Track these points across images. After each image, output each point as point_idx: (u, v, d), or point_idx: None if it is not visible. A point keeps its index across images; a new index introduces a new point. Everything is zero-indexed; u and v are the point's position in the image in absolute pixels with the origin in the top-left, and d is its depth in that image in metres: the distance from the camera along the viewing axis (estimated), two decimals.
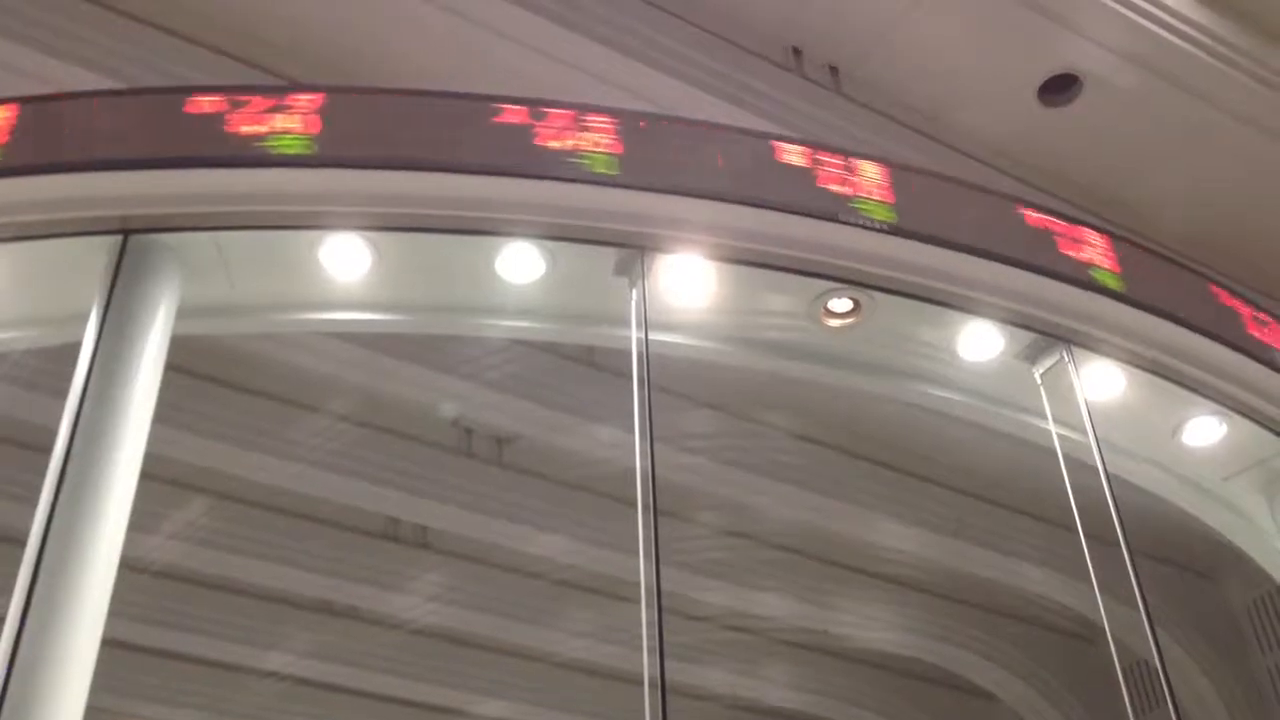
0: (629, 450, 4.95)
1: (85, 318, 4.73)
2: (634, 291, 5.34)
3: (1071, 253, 5.98)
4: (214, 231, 5.00)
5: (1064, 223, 6.19)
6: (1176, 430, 6.26)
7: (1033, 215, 6.17)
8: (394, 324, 5.77)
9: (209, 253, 5.07)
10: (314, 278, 5.30)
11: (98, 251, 4.85)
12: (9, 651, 3.92)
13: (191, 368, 8.35)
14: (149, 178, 4.92)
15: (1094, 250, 6.05)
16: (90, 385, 4.47)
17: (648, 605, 4.28)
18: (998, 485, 10.02)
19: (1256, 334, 6.34)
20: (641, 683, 4.09)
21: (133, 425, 4.50)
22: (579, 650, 11.98)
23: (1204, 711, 10.47)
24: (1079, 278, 5.92)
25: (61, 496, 4.23)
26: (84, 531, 4.23)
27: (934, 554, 10.82)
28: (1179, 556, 10.18)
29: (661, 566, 4.43)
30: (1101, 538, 5.62)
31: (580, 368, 9.32)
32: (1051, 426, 5.76)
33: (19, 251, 4.93)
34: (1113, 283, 6.00)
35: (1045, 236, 6.02)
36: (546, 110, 5.46)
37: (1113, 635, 5.72)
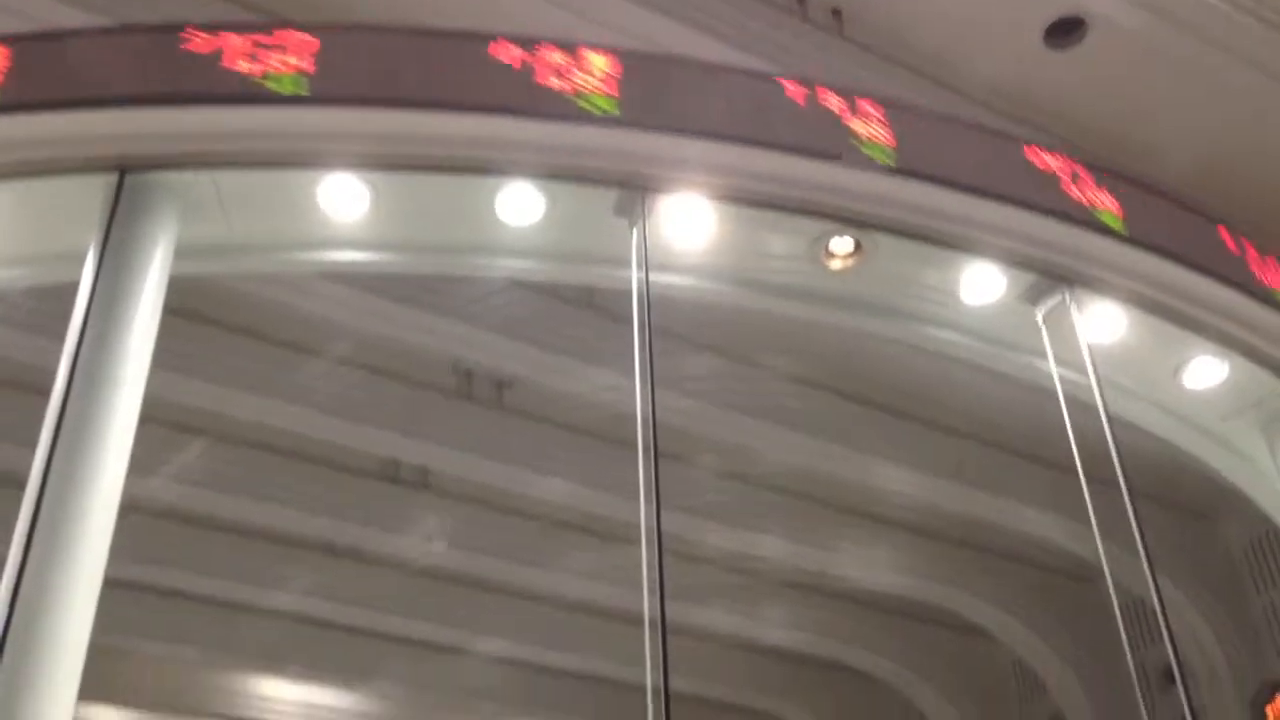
0: (629, 394, 4.95)
1: (83, 257, 4.72)
2: (634, 232, 5.32)
3: (1074, 193, 5.94)
4: (211, 170, 4.97)
5: (1067, 163, 6.15)
6: (1177, 371, 6.26)
7: (1035, 156, 6.12)
8: (393, 264, 5.75)
9: (206, 192, 5.04)
10: (312, 218, 5.27)
11: (94, 190, 4.82)
12: (11, 590, 3.94)
13: (192, 312, 8.34)
14: (145, 115, 4.89)
15: (1096, 191, 6.02)
16: (89, 324, 4.46)
17: (648, 546, 4.31)
18: (997, 428, 10.04)
19: (1259, 274, 6.33)
20: (642, 622, 4.12)
21: (132, 363, 4.49)
22: (579, 590, 12.09)
23: (1199, 649, 10.56)
24: (1081, 218, 5.89)
25: (61, 438, 4.24)
26: (84, 472, 4.23)
27: (933, 497, 10.87)
28: (1177, 498, 10.22)
29: (661, 509, 4.45)
30: (1101, 479, 5.63)
31: (579, 311, 9.31)
32: (1053, 368, 5.75)
33: (16, 190, 4.90)
34: (1115, 223, 5.97)
35: (1048, 177, 5.98)
36: (546, 49, 5.40)
37: (1110, 575, 5.75)
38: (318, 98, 4.97)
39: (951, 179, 5.65)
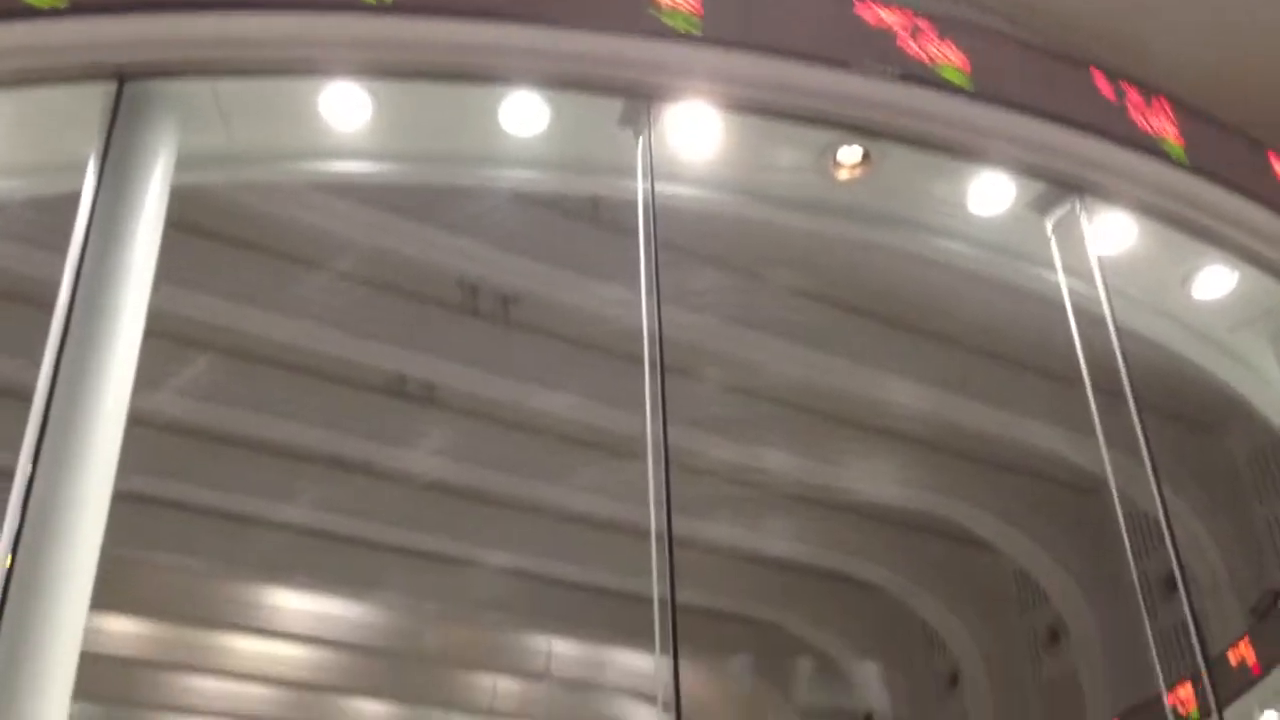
0: (634, 308, 4.94)
1: (84, 169, 4.67)
2: (640, 142, 5.26)
3: (1083, 98, 5.86)
4: (210, 78, 4.90)
5: (1074, 67, 6.06)
6: (1186, 280, 6.23)
7: (1040, 60, 6.03)
8: (395, 174, 5.69)
9: (206, 100, 4.98)
10: (313, 126, 5.21)
11: (94, 99, 4.76)
12: (21, 502, 3.97)
13: (195, 225, 8.30)
14: (143, 21, 4.80)
15: (1106, 96, 5.93)
16: (91, 235, 4.43)
17: (654, 460, 4.32)
18: (1004, 340, 10.01)
19: (1272, 180, 6.26)
20: (647, 535, 4.14)
21: (136, 274, 4.47)
22: (585, 504, 12.17)
23: (1202, 558, 10.65)
24: (1091, 123, 5.82)
25: (66, 350, 4.23)
26: (90, 384, 4.24)
27: (937, 409, 10.88)
28: (1181, 409, 10.23)
29: (667, 422, 4.45)
30: (1105, 390, 5.63)
31: (584, 225, 9.25)
32: (1061, 278, 5.72)
33: (14, 99, 4.84)
34: (1124, 128, 5.89)
35: (1056, 81, 5.89)
36: None
37: (1115, 486, 5.77)
38: (317, 3, 4.88)
39: (960, 86, 5.57)
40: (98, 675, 12.79)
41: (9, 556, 3.80)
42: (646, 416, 4.56)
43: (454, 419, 11.09)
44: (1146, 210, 5.80)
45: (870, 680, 14.63)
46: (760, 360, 10.71)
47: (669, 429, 4.49)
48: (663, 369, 4.66)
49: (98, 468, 4.18)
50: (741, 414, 11.20)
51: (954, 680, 14.21)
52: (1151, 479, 4.58)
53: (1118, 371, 5.09)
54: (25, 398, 4.28)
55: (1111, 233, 5.74)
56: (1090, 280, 5.68)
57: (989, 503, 12.17)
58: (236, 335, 9.73)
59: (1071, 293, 5.76)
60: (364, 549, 12.89)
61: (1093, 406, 5.29)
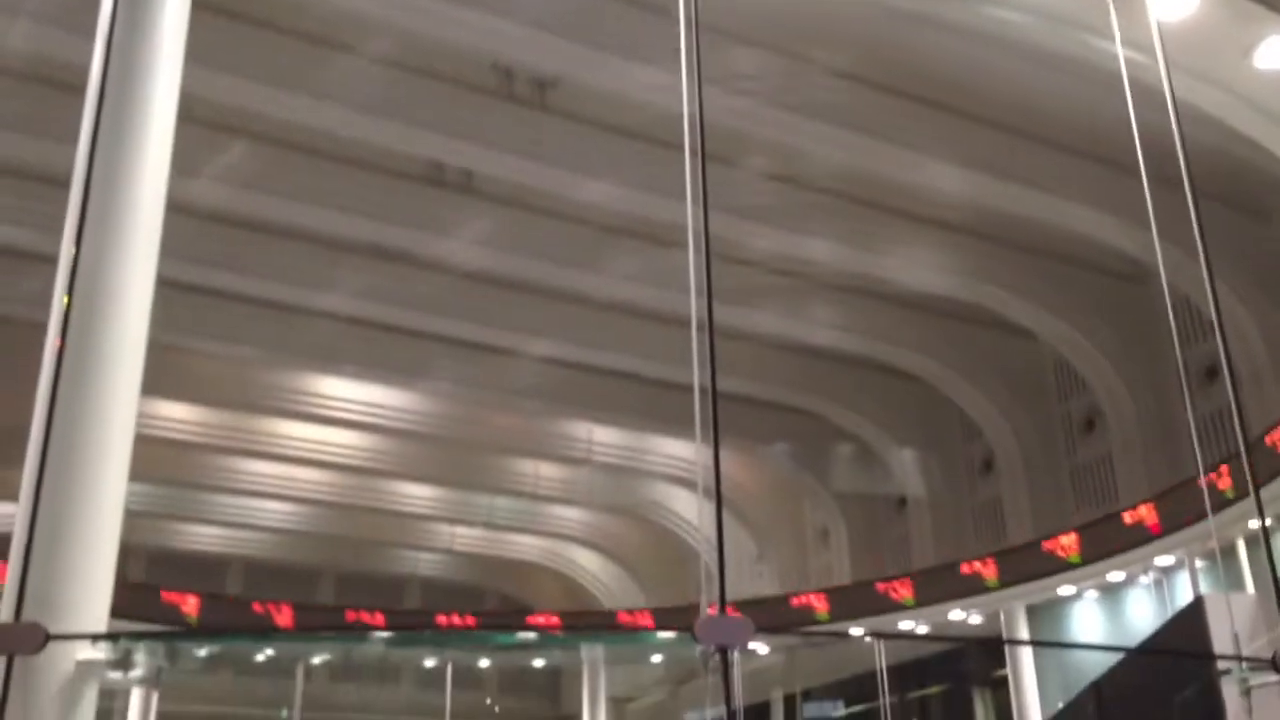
0: (674, 94, 4.78)
1: None
2: None
3: None
4: None
5: None
6: (1249, 50, 5.96)
7: None
8: None
9: None
10: None
11: None
12: (67, 282, 4.00)
13: (224, 6, 8.12)
14: None
15: None
16: (118, 11, 4.31)
17: (695, 248, 4.27)
18: (1049, 122, 9.76)
19: None
20: (688, 324, 4.13)
21: (165, 54, 4.37)
22: (627, 293, 12.21)
23: (1245, 348, 10.60)
24: None
25: (101, 131, 4.18)
26: (127, 166, 4.21)
27: (982, 195, 10.72)
28: (1233, 195, 10.01)
29: (709, 211, 4.38)
30: (1155, 177, 5.46)
31: (622, 4, 8.98)
32: (1119, 48, 5.46)
33: None
34: None
35: None
36: None
37: (1163, 270, 5.66)
38: None
39: None
40: (154, 458, 13.26)
41: (59, 338, 3.86)
42: (688, 204, 4.49)
43: (493, 208, 11.06)
44: None
45: (906, 467, 14.91)
46: (803, 146, 10.52)
47: (711, 217, 4.41)
48: (704, 155, 4.55)
49: (141, 248, 4.18)
50: (784, 201, 11.09)
51: (988, 466, 14.44)
52: (1202, 261, 4.47)
53: (1167, 156, 4.90)
54: (63, 184, 4.27)
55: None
56: (1148, 51, 5.38)
57: (1032, 290, 12.10)
58: (271, 122, 9.63)
59: (1129, 64, 5.45)
60: (407, 338, 13.08)
61: (1145, 183, 5.12)
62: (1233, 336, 10.45)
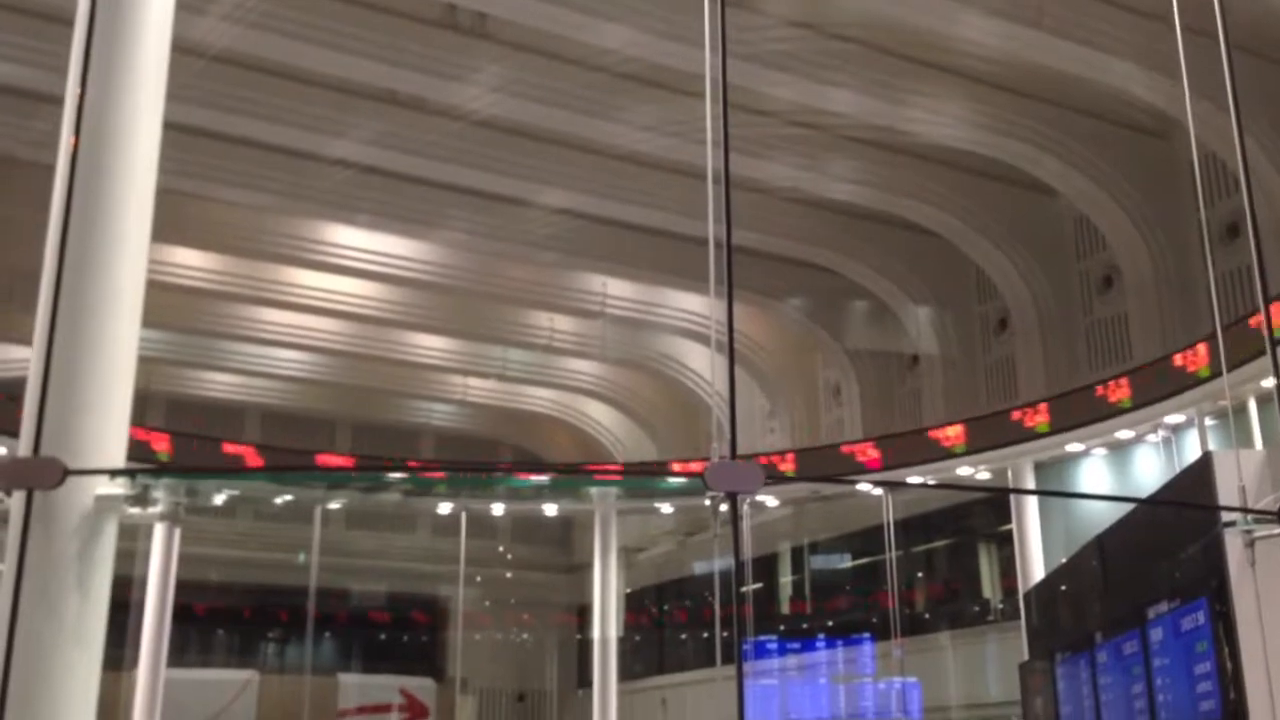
0: None
1: None
2: None
3: None
4: None
5: None
6: None
7: None
8: None
9: None
10: None
11: None
12: (73, 122, 3.94)
13: None
14: None
15: None
16: None
17: (713, 98, 4.18)
18: None
19: None
20: (703, 175, 4.07)
21: None
22: (642, 143, 12.03)
23: (1268, 204, 10.43)
24: None
25: None
26: (131, 5, 4.12)
27: (1010, 45, 10.46)
28: (1264, 47, 9.75)
29: (728, 59, 4.27)
30: (1185, 26, 5.28)
31: None
32: None
33: None
34: None
35: None
36: None
37: (1191, 123, 5.54)
38: None
39: None
40: (166, 305, 13.29)
41: (67, 180, 3.81)
42: (706, 51, 4.38)
43: (507, 53, 10.81)
44: None
45: (920, 324, 14.89)
46: None
47: (729, 65, 4.30)
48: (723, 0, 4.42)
49: (146, 85, 4.11)
50: (804, 49, 10.83)
51: (1003, 325, 14.39)
52: (1233, 111, 4.36)
53: (1196, 9, 4.73)
54: (67, 22, 4.17)
55: None
56: None
57: (1053, 145, 11.89)
58: None
59: None
60: (421, 186, 12.95)
61: (1178, 30, 4.96)
62: (1257, 191, 10.27)
